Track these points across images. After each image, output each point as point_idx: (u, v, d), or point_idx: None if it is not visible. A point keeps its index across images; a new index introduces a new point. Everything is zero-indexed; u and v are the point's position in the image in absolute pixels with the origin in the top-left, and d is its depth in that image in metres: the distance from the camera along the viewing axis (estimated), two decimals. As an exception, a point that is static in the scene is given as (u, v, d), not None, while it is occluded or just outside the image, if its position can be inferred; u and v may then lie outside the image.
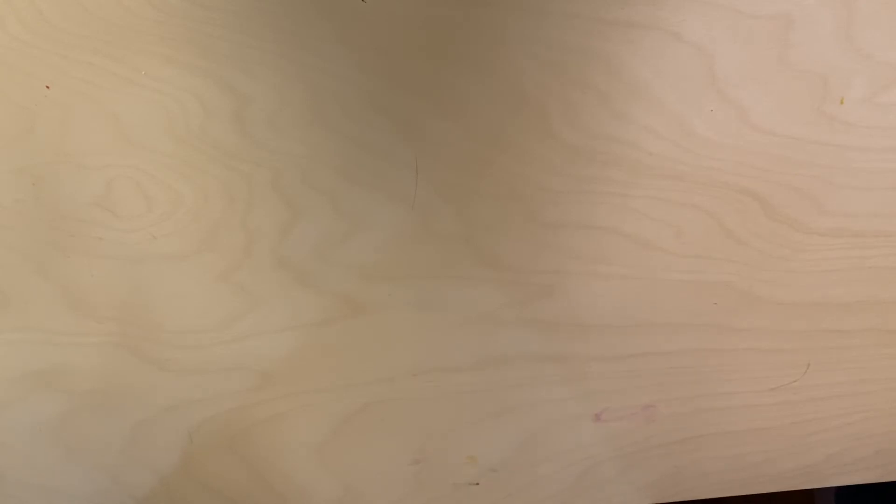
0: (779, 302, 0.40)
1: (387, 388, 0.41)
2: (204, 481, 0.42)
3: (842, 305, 0.40)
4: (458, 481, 0.43)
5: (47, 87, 0.37)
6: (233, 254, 0.40)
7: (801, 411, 0.42)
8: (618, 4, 0.37)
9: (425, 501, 0.43)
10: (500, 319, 0.41)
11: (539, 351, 0.41)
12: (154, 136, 0.38)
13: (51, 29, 0.36)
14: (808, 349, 0.41)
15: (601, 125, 0.38)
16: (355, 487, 0.43)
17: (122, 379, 0.41)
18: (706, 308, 0.40)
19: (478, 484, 0.43)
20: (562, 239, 0.39)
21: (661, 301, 0.41)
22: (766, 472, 0.43)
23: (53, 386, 0.41)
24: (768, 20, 0.38)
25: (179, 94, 0.38)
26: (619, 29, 0.37)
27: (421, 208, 0.37)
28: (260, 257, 0.40)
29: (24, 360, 0.40)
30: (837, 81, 0.38)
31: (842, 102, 0.39)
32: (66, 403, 0.41)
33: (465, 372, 0.41)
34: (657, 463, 0.42)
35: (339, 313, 0.40)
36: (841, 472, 0.43)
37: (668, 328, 0.41)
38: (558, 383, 0.41)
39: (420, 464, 0.43)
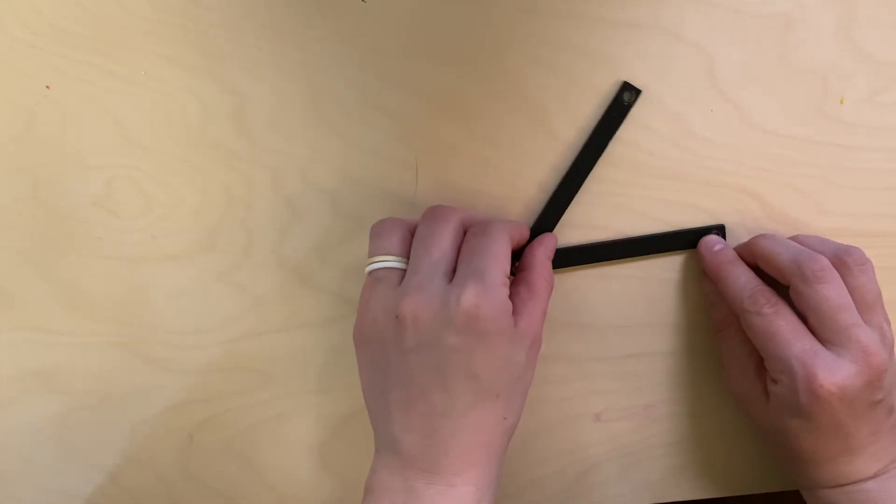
0: (779, 302, 0.40)
1: (387, 388, 0.41)
2: (204, 481, 0.42)
3: (842, 305, 0.40)
4: (458, 481, 0.43)
5: (47, 87, 0.37)
6: (233, 254, 0.40)
7: (801, 411, 0.42)
8: (618, 4, 0.37)
9: (425, 501, 0.43)
10: (500, 319, 0.41)
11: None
12: (154, 136, 0.38)
13: (51, 29, 0.36)
14: (808, 349, 0.41)
15: (601, 125, 0.38)
16: (356, 487, 0.43)
17: (122, 379, 0.41)
18: (706, 308, 0.40)
19: (478, 484, 0.43)
20: (562, 239, 0.39)
21: (661, 301, 0.41)
22: (767, 472, 0.43)
23: (53, 386, 0.41)
24: (768, 20, 0.38)
25: (179, 94, 0.38)
26: (619, 29, 0.37)
27: (421, 208, 0.37)
28: (260, 257, 0.40)
29: (24, 360, 0.40)
30: (837, 81, 0.38)
31: (842, 102, 0.39)
32: (65, 403, 0.41)
33: (465, 372, 0.41)
34: (657, 463, 0.42)
35: (339, 313, 0.40)
36: (841, 472, 0.43)
37: (668, 328, 0.41)
38: (558, 383, 0.41)
39: (420, 464, 0.43)
